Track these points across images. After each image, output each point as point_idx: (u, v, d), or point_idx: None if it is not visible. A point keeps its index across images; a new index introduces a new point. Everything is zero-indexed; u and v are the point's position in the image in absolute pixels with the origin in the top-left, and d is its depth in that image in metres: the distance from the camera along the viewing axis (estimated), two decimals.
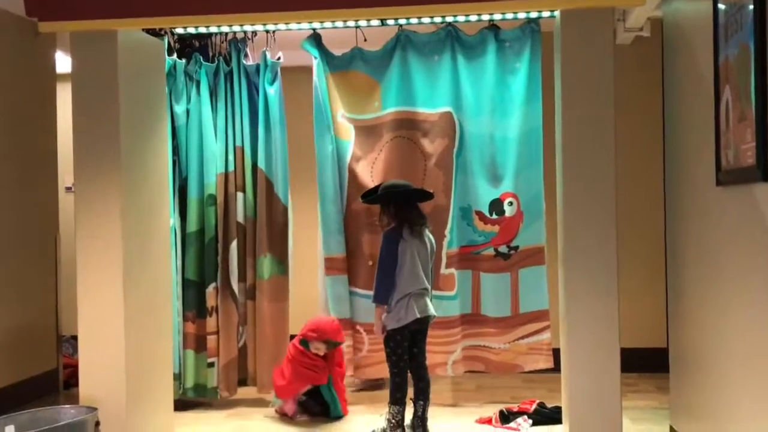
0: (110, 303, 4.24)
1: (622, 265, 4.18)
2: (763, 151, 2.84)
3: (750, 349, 3.11)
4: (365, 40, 5.40)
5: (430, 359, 4.79)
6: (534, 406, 4.94)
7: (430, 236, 4.70)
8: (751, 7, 2.90)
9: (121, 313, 4.23)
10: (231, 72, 5.44)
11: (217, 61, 5.44)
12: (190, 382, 5.32)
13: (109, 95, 4.26)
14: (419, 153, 5.39)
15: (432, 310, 4.62)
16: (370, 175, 5.39)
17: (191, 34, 5.45)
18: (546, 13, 4.99)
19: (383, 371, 5.09)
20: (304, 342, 5.05)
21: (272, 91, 5.38)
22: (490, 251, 5.37)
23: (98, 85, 4.27)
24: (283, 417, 5.13)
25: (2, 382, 5.32)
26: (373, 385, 5.71)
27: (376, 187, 4.77)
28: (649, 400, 5.32)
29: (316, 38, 5.40)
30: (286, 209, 5.43)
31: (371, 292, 4.65)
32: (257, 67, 5.43)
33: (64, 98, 5.52)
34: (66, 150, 5.26)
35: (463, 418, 5.05)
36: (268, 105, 5.39)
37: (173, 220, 5.25)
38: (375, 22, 5.18)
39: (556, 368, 4.67)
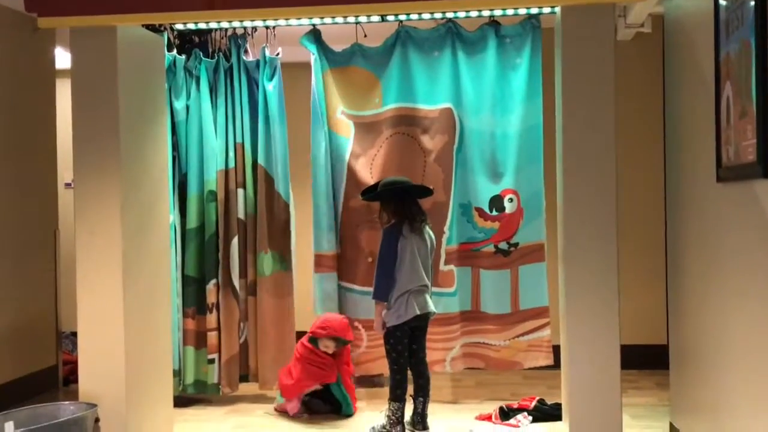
0: (110, 299, 4.23)
1: (622, 262, 4.18)
2: (764, 148, 2.83)
3: (750, 345, 3.10)
4: (365, 36, 5.39)
5: (428, 356, 4.79)
6: (534, 403, 4.94)
7: (431, 233, 4.69)
8: (753, 3, 2.89)
9: (120, 310, 4.23)
10: (231, 68, 5.42)
11: (216, 57, 5.43)
12: (190, 379, 5.32)
13: (108, 91, 4.25)
14: (419, 149, 5.38)
15: (432, 306, 4.61)
16: (370, 171, 5.38)
17: (191, 30, 5.44)
18: (547, 9, 4.97)
19: (382, 367, 5.09)
20: (313, 340, 5.03)
21: (271, 87, 5.37)
22: (490, 248, 5.36)
23: (98, 81, 4.26)
24: (283, 414, 5.12)
25: (2, 378, 5.32)
26: (371, 381, 5.70)
27: (376, 184, 4.76)
28: (649, 396, 5.32)
29: (315, 34, 5.39)
30: (287, 206, 5.42)
31: (370, 289, 4.65)
32: (257, 63, 5.42)
33: (64, 94, 5.52)
34: (65, 146, 5.26)
35: (463, 414, 5.05)
36: (267, 101, 5.38)
37: (173, 217, 5.24)
38: (375, 18, 5.15)
39: (556, 365, 4.67)
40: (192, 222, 5.33)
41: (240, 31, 5.43)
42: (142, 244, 4.45)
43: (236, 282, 5.38)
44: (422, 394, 4.61)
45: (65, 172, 6.30)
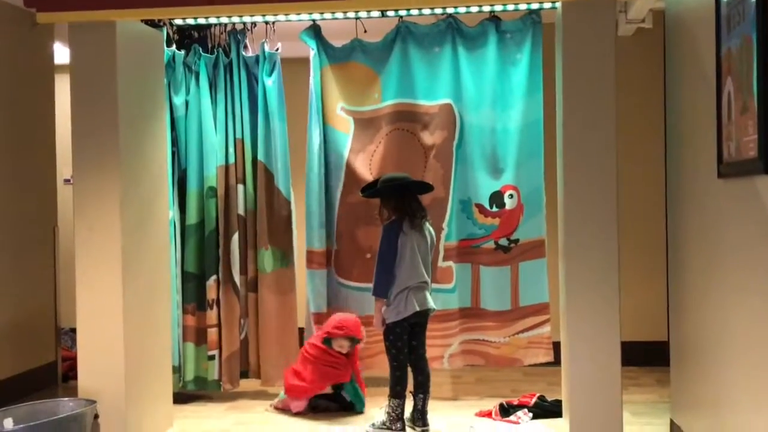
0: (109, 295, 4.23)
1: (622, 258, 4.17)
2: (765, 143, 2.82)
3: (751, 341, 3.09)
4: (365, 31, 5.37)
5: (427, 352, 4.78)
6: (534, 400, 4.94)
7: (431, 229, 4.68)
8: None
9: (119, 306, 4.22)
10: (230, 63, 5.41)
11: (216, 53, 5.42)
12: (190, 375, 5.31)
13: (107, 86, 4.24)
14: (419, 145, 5.37)
15: (431, 303, 4.61)
16: (369, 167, 5.37)
17: (190, 25, 5.43)
18: (547, 5, 4.96)
19: (381, 363, 5.08)
20: (327, 340, 5.02)
21: (270, 82, 5.35)
22: (491, 244, 5.35)
23: (97, 76, 4.25)
24: (283, 411, 5.11)
25: (1, 374, 5.32)
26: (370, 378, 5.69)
27: (376, 181, 4.75)
28: (649, 393, 5.32)
29: (314, 29, 5.37)
30: (288, 202, 5.40)
31: (367, 285, 4.63)
32: (257, 58, 5.40)
33: (63, 90, 5.50)
34: (64, 142, 5.25)
35: (463, 411, 5.04)
36: (267, 97, 5.36)
37: (172, 213, 5.23)
38: (375, 14, 5.15)
39: (557, 362, 4.66)
40: (192, 218, 5.32)
41: (239, 27, 5.42)
42: (142, 240, 4.44)
43: (237, 278, 5.37)
44: (422, 391, 4.60)
45: (64, 168, 6.29)
